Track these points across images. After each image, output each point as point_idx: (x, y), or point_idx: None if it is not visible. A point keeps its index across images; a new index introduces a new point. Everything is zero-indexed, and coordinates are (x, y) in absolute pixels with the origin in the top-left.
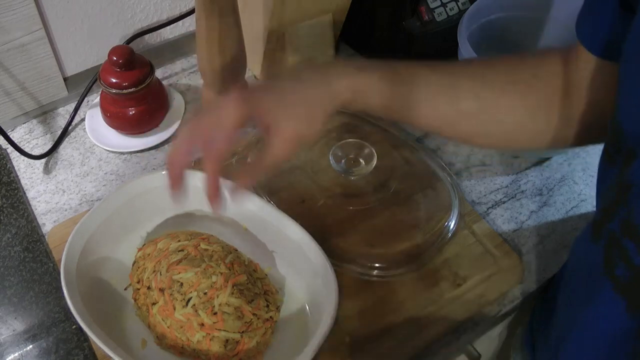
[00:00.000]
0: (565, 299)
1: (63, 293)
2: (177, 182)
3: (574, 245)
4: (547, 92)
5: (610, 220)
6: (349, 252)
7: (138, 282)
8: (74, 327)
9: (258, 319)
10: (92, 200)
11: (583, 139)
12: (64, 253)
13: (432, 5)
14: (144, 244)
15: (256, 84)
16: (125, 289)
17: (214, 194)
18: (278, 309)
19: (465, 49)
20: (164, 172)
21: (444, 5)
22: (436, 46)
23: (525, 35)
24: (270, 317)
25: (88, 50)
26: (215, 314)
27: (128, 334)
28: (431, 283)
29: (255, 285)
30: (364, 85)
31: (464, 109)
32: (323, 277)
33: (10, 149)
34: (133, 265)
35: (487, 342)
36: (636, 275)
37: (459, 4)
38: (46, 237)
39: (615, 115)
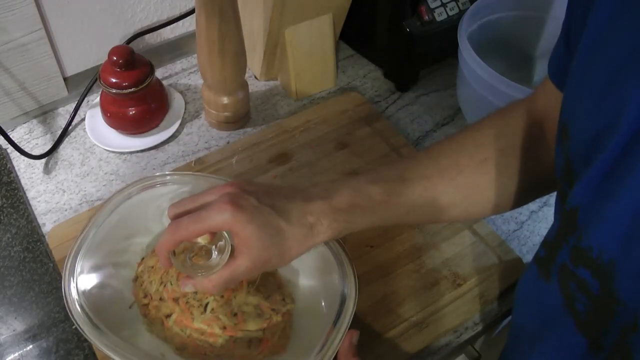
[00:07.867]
0: (520, 333)
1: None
2: (166, 264)
3: (520, 288)
4: (517, 154)
5: (558, 253)
6: (349, 252)
7: (145, 296)
8: (74, 327)
9: (277, 313)
10: (92, 200)
11: None
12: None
13: (432, 5)
14: (143, 258)
15: (248, 189)
16: (130, 307)
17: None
18: (293, 301)
19: (465, 49)
20: (167, 176)
21: (444, 5)
22: (436, 46)
23: (525, 35)
24: (288, 310)
25: (88, 50)
26: (235, 314)
27: (144, 353)
28: (431, 283)
29: (268, 281)
30: (344, 223)
31: (444, 204)
32: (340, 271)
33: (10, 149)
34: (135, 281)
35: (487, 342)
36: (596, 308)
37: (459, 4)
38: (46, 237)
39: None
